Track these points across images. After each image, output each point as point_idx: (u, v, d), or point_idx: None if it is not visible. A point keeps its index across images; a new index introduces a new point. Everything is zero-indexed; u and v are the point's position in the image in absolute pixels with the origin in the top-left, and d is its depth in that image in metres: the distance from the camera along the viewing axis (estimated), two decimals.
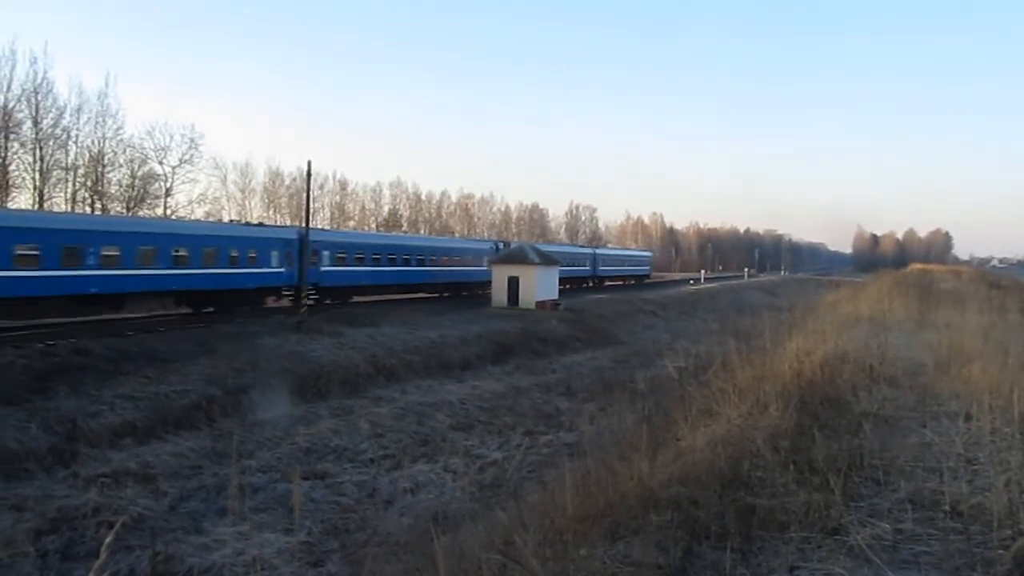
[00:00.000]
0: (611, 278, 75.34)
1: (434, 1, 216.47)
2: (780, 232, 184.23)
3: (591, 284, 68.43)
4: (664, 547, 5.20)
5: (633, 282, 79.95)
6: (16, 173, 48.04)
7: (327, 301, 39.10)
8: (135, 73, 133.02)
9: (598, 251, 77.08)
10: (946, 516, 5.26)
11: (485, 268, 50.41)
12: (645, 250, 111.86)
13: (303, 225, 40.05)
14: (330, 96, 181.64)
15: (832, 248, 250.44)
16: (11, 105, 46.39)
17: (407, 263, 46.06)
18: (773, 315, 23.35)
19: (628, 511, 6.10)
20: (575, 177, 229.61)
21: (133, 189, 55.08)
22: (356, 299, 42.54)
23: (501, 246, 56.41)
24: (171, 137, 58.19)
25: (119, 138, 54.04)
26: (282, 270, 36.23)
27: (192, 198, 62.10)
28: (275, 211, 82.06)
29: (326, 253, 39.11)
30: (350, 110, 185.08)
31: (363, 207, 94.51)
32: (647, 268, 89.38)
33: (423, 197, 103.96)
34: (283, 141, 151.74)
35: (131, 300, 29.88)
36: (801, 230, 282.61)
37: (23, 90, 46.86)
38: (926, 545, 4.94)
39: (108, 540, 2.82)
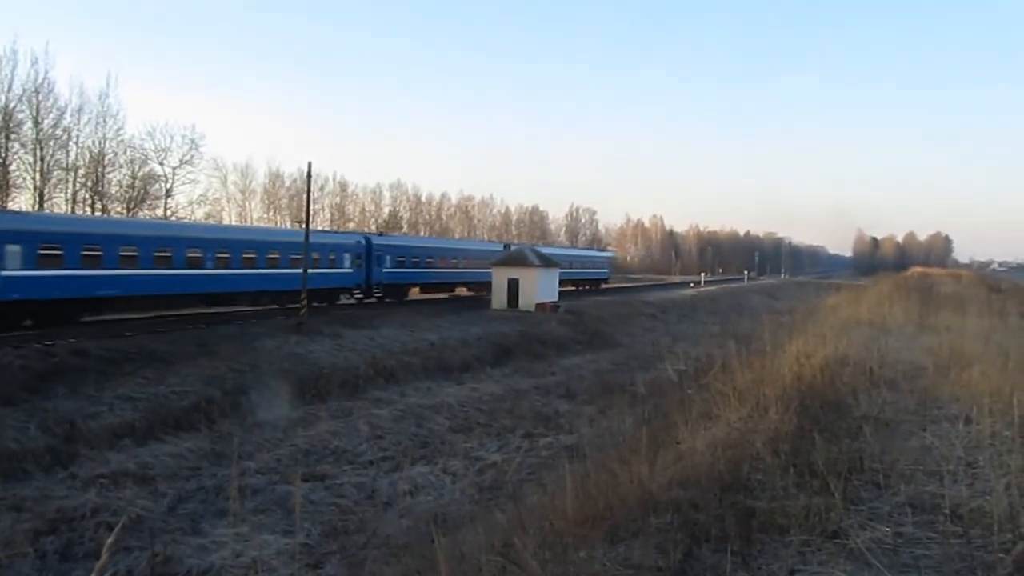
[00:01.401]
0: None
1: (435, 3, 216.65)
2: (780, 235, 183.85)
3: None
4: (664, 550, 5.20)
5: (588, 287, 69.09)
6: (16, 173, 48.04)
7: (26, 323, 25.74)
8: (135, 73, 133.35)
9: (537, 250, 62.27)
10: (946, 520, 5.25)
11: (349, 271, 41.05)
12: (602, 249, 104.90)
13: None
14: (331, 97, 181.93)
15: (832, 251, 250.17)
16: (12, 105, 46.41)
17: (198, 263, 31.57)
18: (773, 318, 23.33)
19: (628, 514, 6.10)
20: (576, 178, 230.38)
21: (133, 190, 55.10)
22: (89, 318, 28.30)
23: (369, 241, 44.22)
24: (172, 138, 58.17)
25: (120, 139, 54.02)
26: None
27: (192, 199, 62.21)
28: (275, 212, 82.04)
29: (13, 248, 24.78)
30: (350, 111, 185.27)
31: (363, 209, 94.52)
32: (605, 271, 77.80)
33: (423, 199, 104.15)
34: (284, 142, 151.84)
35: None
36: (801, 233, 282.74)
37: (24, 90, 46.88)
38: (926, 549, 4.94)
39: (110, 540, 2.81)
